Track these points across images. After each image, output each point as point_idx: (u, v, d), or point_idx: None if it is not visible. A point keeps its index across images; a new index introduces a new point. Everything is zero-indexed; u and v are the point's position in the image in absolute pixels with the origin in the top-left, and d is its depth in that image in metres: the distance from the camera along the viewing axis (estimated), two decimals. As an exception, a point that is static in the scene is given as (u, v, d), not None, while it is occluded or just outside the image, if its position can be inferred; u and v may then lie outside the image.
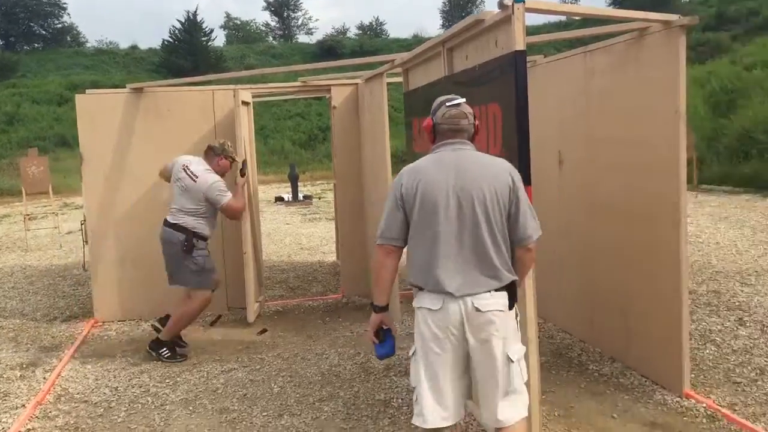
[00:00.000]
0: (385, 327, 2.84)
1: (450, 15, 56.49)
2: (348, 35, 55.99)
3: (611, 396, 4.07)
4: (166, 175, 5.32)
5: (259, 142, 28.28)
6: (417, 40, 47.34)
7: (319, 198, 17.90)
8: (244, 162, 5.62)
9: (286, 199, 16.84)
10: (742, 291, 6.23)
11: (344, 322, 5.86)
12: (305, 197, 17.62)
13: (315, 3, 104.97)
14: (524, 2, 2.83)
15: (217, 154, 5.21)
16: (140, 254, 6.05)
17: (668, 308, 3.97)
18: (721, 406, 3.83)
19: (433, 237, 2.63)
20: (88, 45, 48.85)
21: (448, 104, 2.74)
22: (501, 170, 2.66)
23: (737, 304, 5.82)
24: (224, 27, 55.74)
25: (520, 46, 2.83)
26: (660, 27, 3.81)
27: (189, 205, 5.04)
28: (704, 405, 3.83)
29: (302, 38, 55.06)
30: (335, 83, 6.45)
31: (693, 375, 4.18)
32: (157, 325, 5.29)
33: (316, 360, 4.93)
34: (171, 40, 41.17)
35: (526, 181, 2.84)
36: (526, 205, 2.66)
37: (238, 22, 55.82)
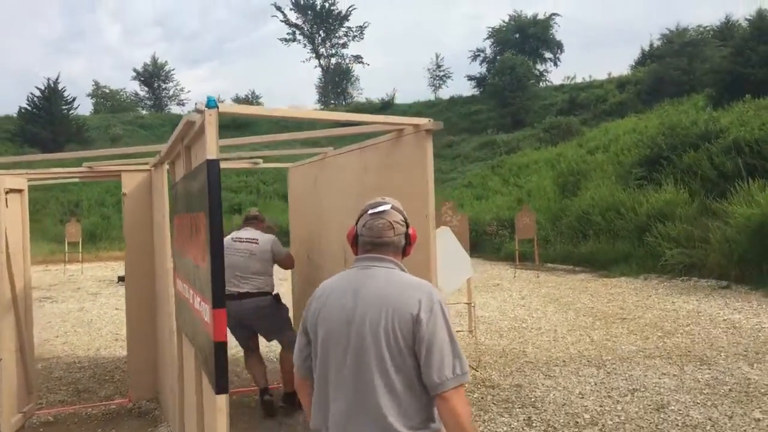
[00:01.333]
0: None
1: (325, 90, 57.42)
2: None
3: None
4: None
5: (116, 215, 27.14)
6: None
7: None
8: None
9: (126, 279, 15.83)
10: (542, 384, 6.17)
11: (117, 436, 5.26)
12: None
13: (192, 74, 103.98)
14: (217, 108, 2.56)
15: (261, 221, 5.83)
16: None
17: None
18: None
19: (325, 377, 2.19)
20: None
21: (371, 211, 2.38)
22: (409, 296, 2.15)
23: (533, 400, 5.72)
24: (92, 95, 53.88)
25: (212, 154, 2.55)
26: (411, 130, 3.69)
27: (258, 268, 5.42)
28: None
29: (174, 108, 54.12)
30: (125, 169, 6.00)
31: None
32: (284, 404, 5.51)
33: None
34: (29, 107, 39.12)
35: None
36: (442, 341, 2.09)
37: (107, 91, 54.16)
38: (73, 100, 41.67)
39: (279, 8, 57.97)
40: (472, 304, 7.15)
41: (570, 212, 17.66)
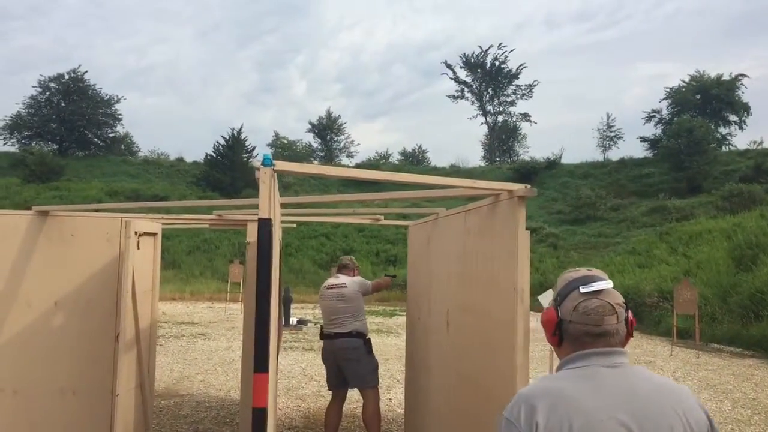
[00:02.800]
0: None
1: (491, 147, 57.40)
2: (391, 160, 57.19)
3: None
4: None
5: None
6: (454, 169, 48.03)
7: (315, 324, 17.46)
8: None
9: (276, 323, 16.43)
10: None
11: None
12: (299, 321, 17.20)
13: (367, 128, 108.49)
14: (273, 166, 2.52)
15: (352, 269, 6.30)
16: (23, 383, 5.73)
17: None
18: None
19: None
20: (140, 154, 50.87)
21: (583, 289, 1.77)
22: (690, 400, 1.71)
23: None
24: (272, 145, 57.55)
25: (263, 213, 2.50)
26: (506, 195, 3.46)
27: (351, 310, 5.87)
28: None
29: (344, 161, 56.47)
30: (251, 218, 6.20)
31: None
32: None
33: None
34: (214, 155, 42.54)
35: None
36: None
37: (285, 141, 57.64)
38: (253, 148, 44.76)
39: (449, 66, 58.95)
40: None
41: (743, 289, 16.06)
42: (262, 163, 2.52)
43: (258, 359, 2.49)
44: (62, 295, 5.84)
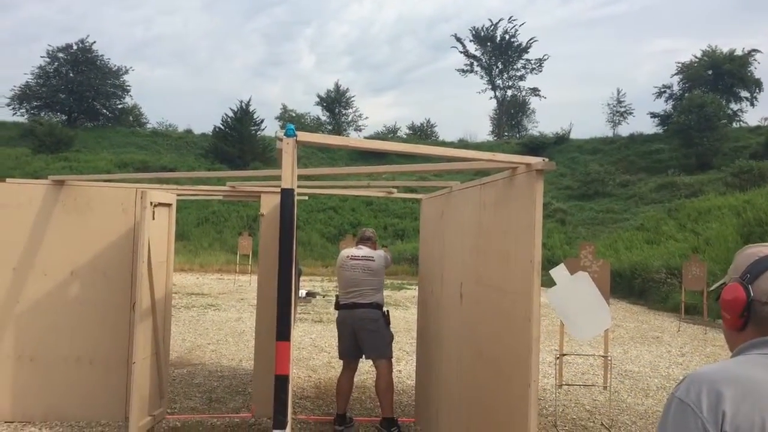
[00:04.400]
0: None
1: (499, 122, 57.11)
2: (399, 134, 56.97)
3: None
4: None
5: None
6: (462, 144, 47.84)
7: (324, 296, 17.58)
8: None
9: (284, 295, 16.53)
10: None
11: (232, 448, 5.40)
12: (308, 294, 17.31)
13: (376, 102, 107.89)
14: (295, 136, 2.53)
15: (374, 242, 6.28)
16: (40, 351, 5.84)
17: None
18: None
19: None
20: (148, 126, 50.85)
21: None
22: None
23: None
24: (279, 118, 57.41)
25: (286, 183, 2.52)
26: (524, 169, 3.47)
27: (376, 283, 5.90)
28: None
29: (352, 134, 56.28)
30: (265, 190, 6.24)
31: None
32: (339, 428, 5.88)
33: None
34: (222, 127, 42.49)
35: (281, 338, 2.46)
36: None
37: (293, 114, 57.44)
38: (262, 121, 44.73)
39: (459, 39, 58.43)
40: (609, 358, 6.61)
41: (751, 265, 16.03)
42: (285, 134, 2.53)
43: (280, 328, 2.53)
44: (78, 265, 5.91)
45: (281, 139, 2.55)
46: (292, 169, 2.52)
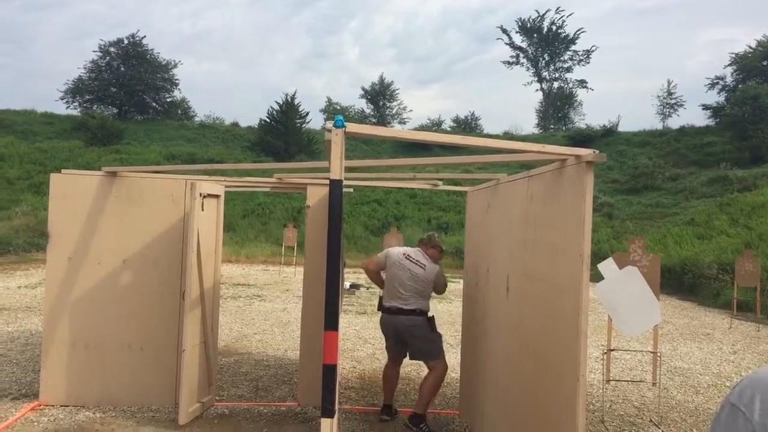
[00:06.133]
0: None
1: (545, 114, 56.38)
2: (443, 127, 56.71)
3: None
4: (380, 267, 5.97)
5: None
6: (507, 136, 47.37)
7: (368, 288, 17.65)
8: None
9: (329, 286, 16.63)
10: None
11: (278, 437, 5.47)
12: (352, 286, 17.40)
13: (421, 94, 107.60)
14: (344, 128, 2.55)
15: (431, 246, 5.90)
16: (94, 338, 6.00)
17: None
18: None
19: None
20: (196, 119, 51.62)
21: None
22: None
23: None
24: (324, 111, 57.69)
25: (335, 174, 2.54)
26: (573, 161, 3.42)
27: (420, 291, 5.68)
28: None
29: (396, 127, 56.23)
30: (311, 182, 6.28)
31: None
32: (409, 425, 5.63)
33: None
34: (268, 120, 42.90)
35: (329, 326, 2.48)
36: None
37: (338, 107, 57.65)
38: (307, 114, 44.93)
39: (505, 31, 57.82)
40: (659, 354, 6.49)
41: (807, 262, 15.56)
42: (334, 125, 2.55)
43: (328, 318, 2.55)
44: (130, 254, 6.05)
45: (330, 131, 2.56)
46: (341, 161, 2.54)
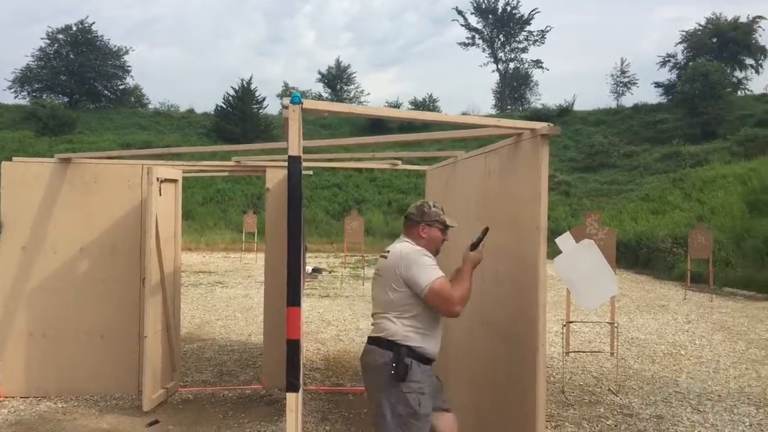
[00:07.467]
0: None
1: (502, 95, 56.79)
2: (401, 109, 56.70)
3: None
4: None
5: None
6: (465, 117, 47.56)
7: (330, 272, 17.67)
8: (486, 230, 3.64)
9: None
10: (688, 419, 5.62)
11: (244, 420, 5.46)
12: (314, 270, 17.39)
13: (379, 77, 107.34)
14: (301, 104, 2.55)
15: (416, 222, 3.49)
16: (52, 328, 5.91)
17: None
18: None
19: None
20: (150, 107, 50.71)
21: None
22: None
23: (671, 436, 5.22)
24: (281, 96, 57.18)
25: (293, 151, 2.55)
26: (529, 134, 3.48)
27: (384, 299, 3.27)
28: None
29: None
30: (270, 165, 6.26)
31: None
32: None
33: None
34: (224, 106, 42.38)
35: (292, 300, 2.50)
36: None
37: (295, 92, 57.11)
38: (263, 99, 44.50)
39: (460, 12, 57.87)
40: (616, 325, 6.66)
41: (757, 233, 16.09)
42: (291, 101, 2.55)
43: (290, 293, 2.57)
44: (87, 242, 5.96)
45: (287, 107, 2.56)
46: (299, 137, 2.54)
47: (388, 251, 3.38)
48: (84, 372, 5.94)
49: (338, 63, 56.82)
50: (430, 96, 56.33)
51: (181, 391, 6.20)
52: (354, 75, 57.68)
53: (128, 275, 5.97)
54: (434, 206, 3.60)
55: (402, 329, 3.20)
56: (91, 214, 5.95)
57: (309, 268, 17.18)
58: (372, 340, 3.32)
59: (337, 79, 55.99)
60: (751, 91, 43.35)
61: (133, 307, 5.95)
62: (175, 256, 6.13)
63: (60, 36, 46.99)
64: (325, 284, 15.08)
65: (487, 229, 3.64)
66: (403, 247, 3.35)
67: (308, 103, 2.59)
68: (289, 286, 2.59)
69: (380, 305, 3.30)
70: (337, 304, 12.04)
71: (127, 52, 49.24)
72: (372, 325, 3.39)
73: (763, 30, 44.96)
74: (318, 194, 32.60)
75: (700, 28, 45.28)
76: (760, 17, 44.67)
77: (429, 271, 3.23)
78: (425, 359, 3.27)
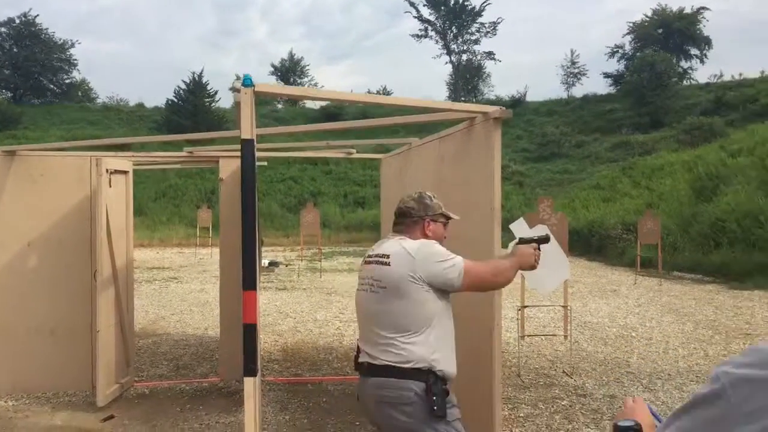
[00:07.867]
0: None
1: (455, 86, 57.13)
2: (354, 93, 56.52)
3: None
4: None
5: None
6: (419, 109, 47.73)
7: (287, 265, 17.58)
8: (546, 237, 3.18)
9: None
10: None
11: (202, 412, 5.41)
12: (271, 263, 17.27)
13: (332, 70, 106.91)
14: (253, 87, 2.53)
15: (420, 218, 2.96)
16: (0, 325, 5.75)
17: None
18: None
19: None
20: (98, 101, 49.59)
21: None
22: None
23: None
24: (233, 89, 56.52)
25: (246, 134, 2.52)
26: (481, 118, 3.52)
27: (392, 316, 2.69)
28: None
29: (308, 104, 55.76)
30: (224, 155, 6.19)
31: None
32: None
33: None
34: (175, 99, 41.69)
35: (249, 285, 2.48)
36: None
37: (248, 85, 56.53)
38: (215, 93, 43.91)
39: (413, 4, 57.91)
40: (569, 308, 6.79)
41: (703, 218, 16.53)
42: (243, 84, 2.52)
43: (246, 277, 2.55)
44: (35, 236, 5.81)
45: (239, 90, 2.54)
46: (252, 120, 2.52)
47: (387, 256, 2.73)
48: (35, 369, 5.80)
49: (291, 56, 56.59)
50: (384, 88, 56.50)
51: (137, 386, 6.10)
52: (307, 68, 57.53)
53: (79, 269, 5.84)
54: (434, 197, 3.07)
55: (428, 352, 2.63)
56: (39, 208, 5.80)
57: (265, 262, 17.07)
58: (385, 371, 2.64)
59: (290, 72, 55.67)
60: (696, 80, 44.51)
61: (84, 302, 5.83)
62: (127, 249, 6.02)
63: (2, 29, 45.61)
64: (282, 277, 15.00)
65: (548, 237, 3.18)
66: (405, 245, 2.76)
67: (261, 86, 2.57)
68: (244, 269, 2.57)
69: (390, 325, 2.66)
70: (294, 296, 11.99)
71: (73, 45, 48.17)
72: (369, 349, 2.74)
73: (707, 20, 46.12)
74: (273, 187, 32.36)
75: (647, 19, 46.28)
76: (704, 8, 45.93)
77: (451, 257, 2.75)
78: (448, 378, 2.75)
